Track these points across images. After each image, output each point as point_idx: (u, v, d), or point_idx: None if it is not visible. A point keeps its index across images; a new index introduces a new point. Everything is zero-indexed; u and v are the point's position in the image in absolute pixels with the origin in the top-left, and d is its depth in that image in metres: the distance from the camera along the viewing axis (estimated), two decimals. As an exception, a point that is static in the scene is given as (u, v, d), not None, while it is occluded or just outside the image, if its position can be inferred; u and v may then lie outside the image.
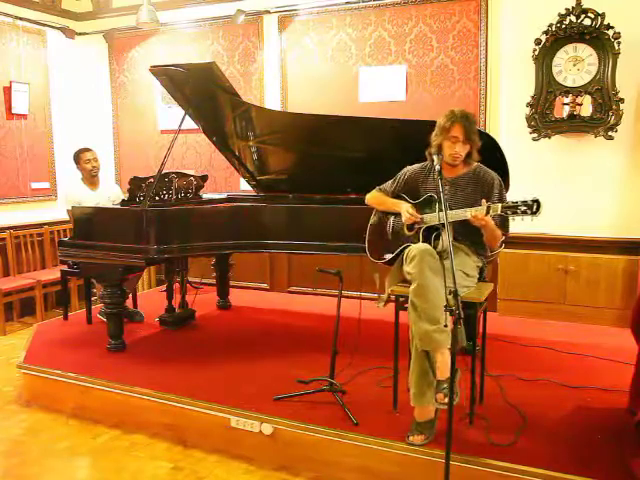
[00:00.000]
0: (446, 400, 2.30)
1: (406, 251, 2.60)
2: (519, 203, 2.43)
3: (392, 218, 2.93)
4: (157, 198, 4.00)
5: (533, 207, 2.40)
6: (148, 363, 3.50)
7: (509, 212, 2.45)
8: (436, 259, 2.49)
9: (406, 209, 2.76)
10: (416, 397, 2.53)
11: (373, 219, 3.04)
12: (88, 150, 4.46)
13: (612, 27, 3.95)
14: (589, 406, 2.85)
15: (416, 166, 2.90)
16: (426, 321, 2.41)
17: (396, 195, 2.94)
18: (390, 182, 2.98)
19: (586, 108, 4.13)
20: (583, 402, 2.89)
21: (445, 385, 2.35)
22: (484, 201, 2.54)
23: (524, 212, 2.41)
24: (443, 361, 2.40)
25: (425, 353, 2.49)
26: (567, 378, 3.14)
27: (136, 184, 3.78)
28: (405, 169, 2.93)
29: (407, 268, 2.53)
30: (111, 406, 3.19)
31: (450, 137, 2.64)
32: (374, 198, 3.03)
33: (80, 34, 6.03)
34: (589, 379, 3.14)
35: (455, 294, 2.11)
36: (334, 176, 3.87)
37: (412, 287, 2.49)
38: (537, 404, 2.85)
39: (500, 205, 2.48)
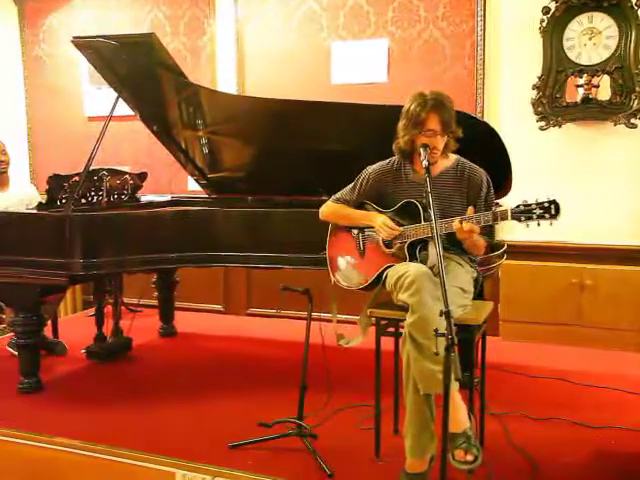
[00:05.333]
0: (468, 457, 2.31)
1: (394, 274, 2.61)
2: (533, 206, 2.45)
3: (361, 234, 2.92)
4: (83, 201, 3.97)
5: (551, 209, 2.42)
6: (72, 406, 3.45)
7: (522, 217, 2.46)
8: (435, 283, 2.47)
9: (383, 222, 2.76)
10: (415, 451, 2.51)
11: (334, 237, 3.02)
12: (-6, 141, 4.40)
13: (635, -8, 4.06)
14: (612, 450, 2.89)
15: (380, 165, 2.90)
16: (431, 359, 2.40)
17: (359, 204, 2.95)
18: (349, 189, 2.96)
19: (604, 90, 4.24)
20: (605, 445, 2.92)
21: (463, 439, 2.35)
22: (495, 209, 2.57)
23: (540, 216, 2.43)
24: (454, 409, 2.38)
25: (426, 397, 2.49)
26: (585, 416, 3.18)
27: (57, 184, 3.74)
28: (366, 170, 2.92)
29: (402, 297, 2.52)
30: (22, 463, 3.11)
31: (425, 131, 2.64)
32: (332, 212, 3.00)
33: (-18, -5, 5.97)
34: (612, 417, 3.18)
35: (447, 315, 2.13)
36: (302, 174, 3.88)
37: (411, 320, 2.47)
38: (549, 448, 2.88)
39: (509, 210, 2.49)
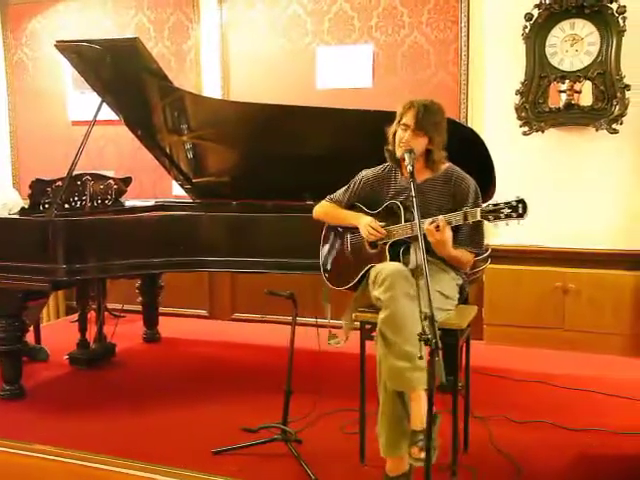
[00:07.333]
0: (422, 455, 2.30)
1: (373, 273, 2.63)
2: (501, 205, 2.48)
3: (349, 234, 2.96)
4: (67, 206, 3.94)
5: (518, 208, 2.45)
6: (54, 413, 3.43)
7: (490, 217, 2.49)
8: (411, 282, 2.50)
9: (367, 223, 2.79)
10: (387, 447, 2.54)
11: (326, 237, 3.06)
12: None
13: (616, 0, 4.09)
14: (594, 452, 2.91)
15: (374, 170, 2.95)
16: (398, 357, 2.42)
17: (350, 205, 2.99)
18: (342, 190, 3.03)
19: (586, 96, 4.27)
20: (588, 448, 2.94)
21: (421, 437, 2.35)
22: (467, 209, 2.59)
23: (508, 216, 2.46)
24: (418, 407, 2.41)
25: (398, 394, 2.51)
26: (568, 419, 3.20)
27: (40, 188, 3.72)
28: (361, 174, 2.98)
29: (375, 293, 2.55)
30: (1, 469, 3.08)
31: (401, 124, 2.73)
32: (325, 211, 3.06)
33: (-36, -1, 5.92)
34: (594, 420, 3.20)
35: (431, 320, 2.14)
36: (288, 179, 3.87)
37: (382, 315, 2.50)
38: (532, 450, 2.90)
39: (479, 210, 2.53)
